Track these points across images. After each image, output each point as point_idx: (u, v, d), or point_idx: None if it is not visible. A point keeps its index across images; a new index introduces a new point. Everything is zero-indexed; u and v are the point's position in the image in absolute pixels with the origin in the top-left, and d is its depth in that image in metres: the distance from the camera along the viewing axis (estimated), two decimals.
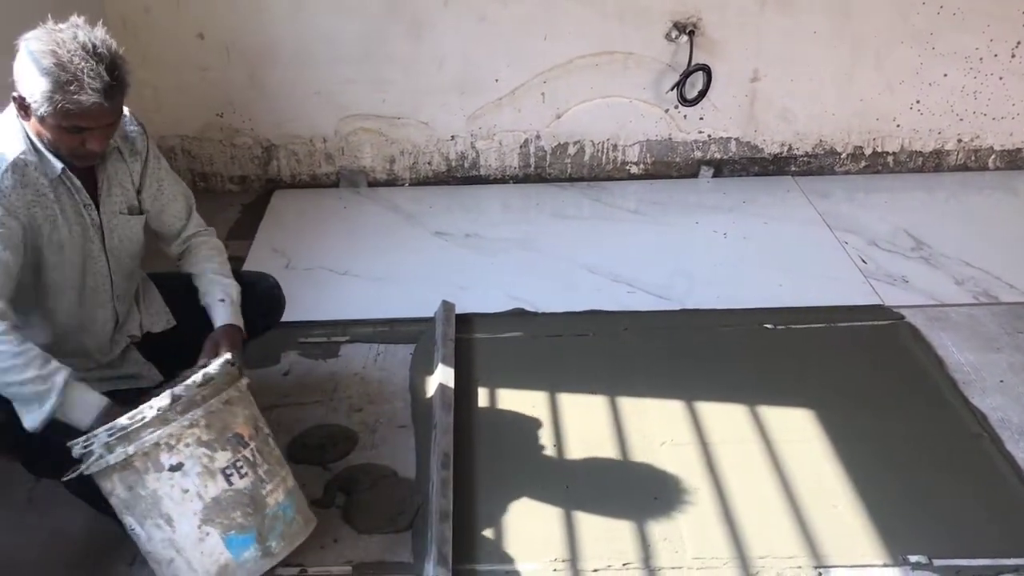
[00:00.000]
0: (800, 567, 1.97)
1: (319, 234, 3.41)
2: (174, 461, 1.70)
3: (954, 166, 3.82)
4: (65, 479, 1.73)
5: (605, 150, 3.74)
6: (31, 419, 1.71)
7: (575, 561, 2.00)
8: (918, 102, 3.66)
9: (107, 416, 1.73)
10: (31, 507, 2.14)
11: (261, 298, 2.27)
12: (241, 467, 1.76)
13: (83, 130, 1.75)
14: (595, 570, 1.98)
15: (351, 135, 3.66)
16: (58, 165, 1.82)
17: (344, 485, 2.21)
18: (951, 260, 3.17)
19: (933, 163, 3.81)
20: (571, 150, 3.74)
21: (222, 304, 2.10)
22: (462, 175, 3.78)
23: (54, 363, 1.75)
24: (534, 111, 3.64)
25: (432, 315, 2.82)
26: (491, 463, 2.28)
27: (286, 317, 2.44)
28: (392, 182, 3.78)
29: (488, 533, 2.07)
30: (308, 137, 3.67)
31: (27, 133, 1.82)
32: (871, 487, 2.18)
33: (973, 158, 3.80)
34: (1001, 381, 2.54)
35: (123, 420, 1.67)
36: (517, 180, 3.80)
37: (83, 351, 2.04)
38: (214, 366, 1.79)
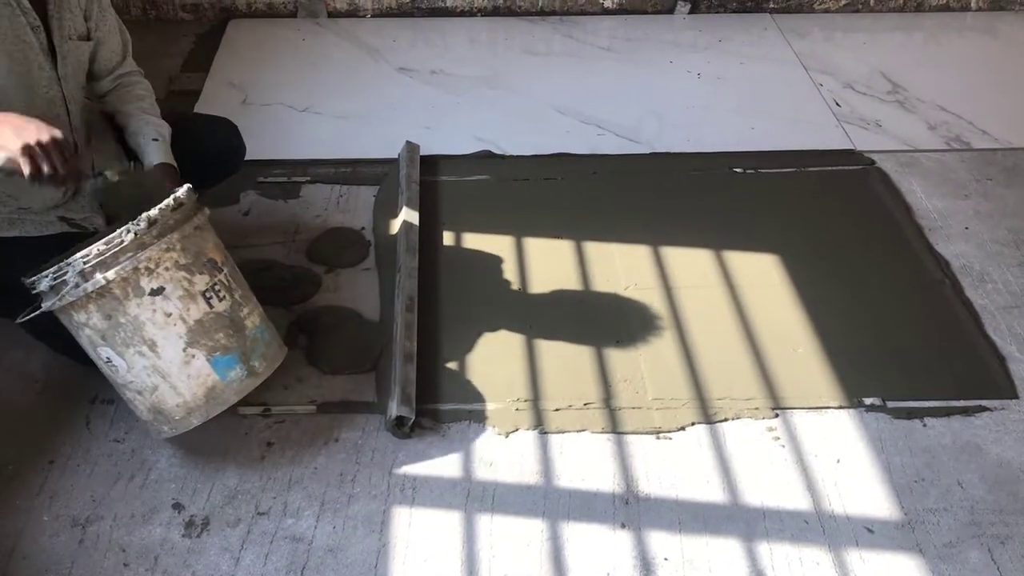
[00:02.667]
0: (758, 408, 2.02)
1: (278, 68, 3.26)
2: (155, 285, 1.67)
3: (935, 6, 3.70)
4: (28, 317, 1.69)
5: None
6: None
7: (537, 401, 2.03)
8: None
9: None
10: None
11: (218, 146, 2.17)
12: (219, 290, 1.75)
13: None
14: (556, 409, 2.01)
15: None
16: None
17: (307, 326, 2.20)
18: (926, 104, 3.11)
19: (915, 2, 3.69)
20: None
21: (156, 143, 2.01)
22: (427, 7, 3.60)
23: None
24: None
25: (396, 155, 2.74)
26: (455, 306, 2.27)
27: (245, 155, 2.36)
28: (353, 13, 3.59)
29: (452, 374, 2.09)
30: None
31: None
32: (832, 332, 2.21)
33: None
34: (966, 228, 2.55)
35: (99, 245, 1.63)
36: (485, 13, 3.63)
37: (33, 192, 1.95)
38: (182, 191, 1.74)
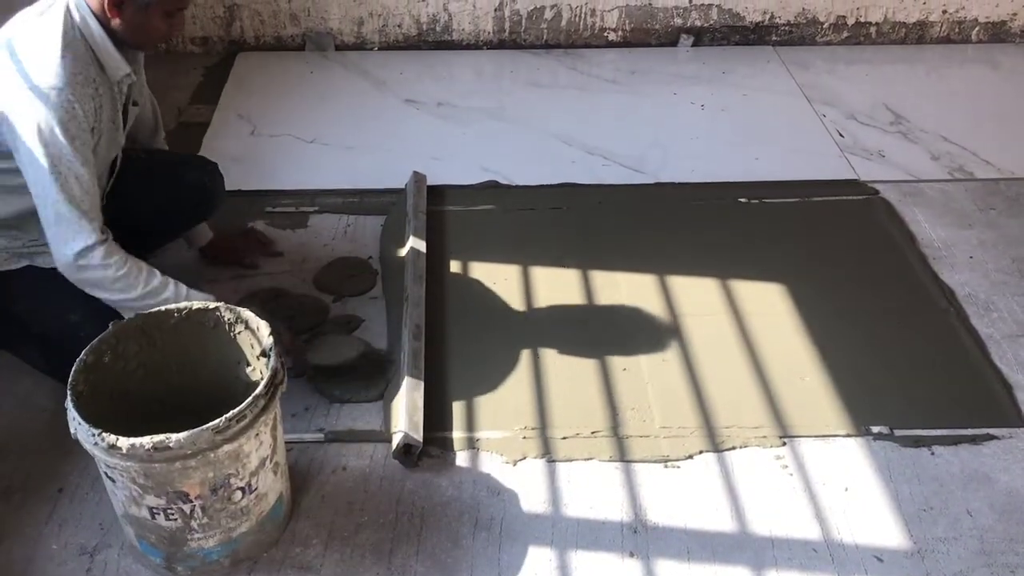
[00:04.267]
0: (765, 436, 2.02)
1: (286, 100, 3.30)
2: (111, 473, 1.56)
3: (937, 38, 3.74)
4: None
5: (583, 15, 3.61)
6: None
7: (544, 429, 2.03)
8: None
9: None
10: None
11: (191, 188, 2.19)
12: (172, 514, 1.59)
13: (181, 11, 1.77)
14: (564, 437, 2.01)
15: None
16: (125, 67, 1.78)
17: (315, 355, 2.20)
18: (928, 135, 3.14)
19: (916, 35, 3.73)
20: (548, 14, 3.61)
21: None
22: (433, 40, 3.64)
23: (156, 278, 1.80)
24: None
25: (403, 186, 2.76)
26: (462, 334, 2.28)
27: (253, 185, 2.38)
28: (360, 46, 3.64)
29: (459, 402, 2.09)
30: None
31: (90, 35, 1.73)
32: (839, 360, 2.21)
33: (957, 30, 3.72)
34: (971, 257, 2.56)
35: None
36: (491, 46, 3.68)
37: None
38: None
